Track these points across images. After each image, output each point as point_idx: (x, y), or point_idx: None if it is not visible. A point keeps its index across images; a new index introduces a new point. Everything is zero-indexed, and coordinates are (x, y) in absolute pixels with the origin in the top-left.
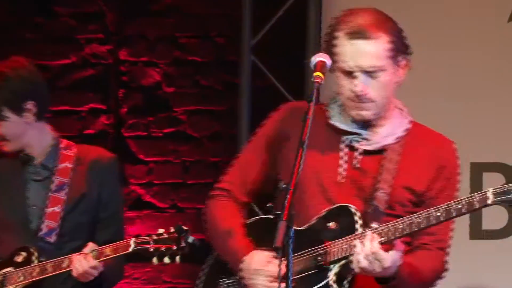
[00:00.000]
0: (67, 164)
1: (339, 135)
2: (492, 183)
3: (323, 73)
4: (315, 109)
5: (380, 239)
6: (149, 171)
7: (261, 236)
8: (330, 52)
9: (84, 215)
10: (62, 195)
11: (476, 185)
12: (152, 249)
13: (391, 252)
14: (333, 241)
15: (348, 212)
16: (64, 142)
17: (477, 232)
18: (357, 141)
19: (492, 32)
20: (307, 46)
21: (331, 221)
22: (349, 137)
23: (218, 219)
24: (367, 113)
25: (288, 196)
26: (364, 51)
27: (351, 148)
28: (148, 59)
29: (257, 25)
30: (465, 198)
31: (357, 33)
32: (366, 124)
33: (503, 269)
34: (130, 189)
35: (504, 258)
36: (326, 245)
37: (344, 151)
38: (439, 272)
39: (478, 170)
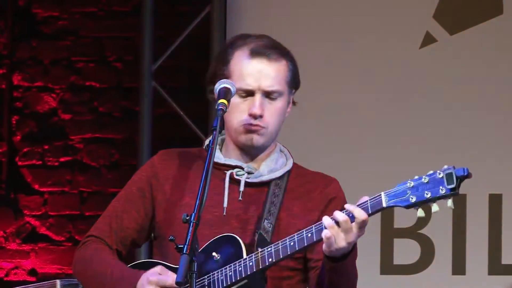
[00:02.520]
0: None
1: (222, 172)
2: (402, 214)
3: (228, 100)
4: (192, 151)
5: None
6: (44, 202)
7: None
8: (222, 74)
9: None
10: None
11: (387, 216)
12: None
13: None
14: (219, 270)
15: (232, 241)
16: None
17: (388, 267)
18: (240, 174)
19: (404, 59)
20: None
21: (216, 252)
22: (232, 171)
23: (95, 256)
24: (258, 140)
25: (191, 229)
26: (267, 72)
27: (235, 182)
28: (43, 84)
29: (158, 49)
30: (359, 204)
31: (259, 53)
32: (250, 158)
33: None
34: (24, 220)
35: None
36: (212, 274)
37: (227, 186)
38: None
39: None
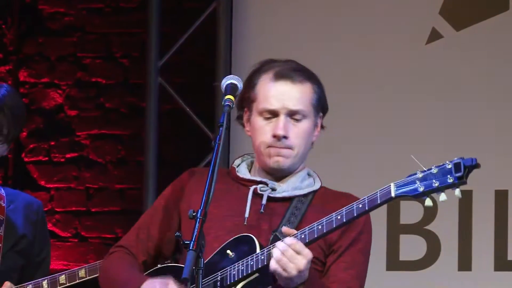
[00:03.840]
0: (1, 203)
1: (247, 187)
2: (409, 210)
3: (234, 97)
4: (225, 171)
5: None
6: (50, 198)
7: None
8: (249, 97)
9: (19, 256)
10: (0, 231)
11: (394, 212)
12: None
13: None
14: (231, 265)
15: (247, 239)
16: None
17: (394, 263)
18: (264, 190)
19: (411, 55)
20: (217, 67)
21: (230, 250)
22: (256, 186)
23: (113, 264)
24: (285, 162)
25: (197, 225)
26: (290, 93)
27: (258, 196)
28: (49, 80)
29: (164, 45)
30: (367, 196)
31: (283, 76)
32: (276, 179)
33: None
34: None
35: None
36: (224, 270)
37: (250, 198)
38: None
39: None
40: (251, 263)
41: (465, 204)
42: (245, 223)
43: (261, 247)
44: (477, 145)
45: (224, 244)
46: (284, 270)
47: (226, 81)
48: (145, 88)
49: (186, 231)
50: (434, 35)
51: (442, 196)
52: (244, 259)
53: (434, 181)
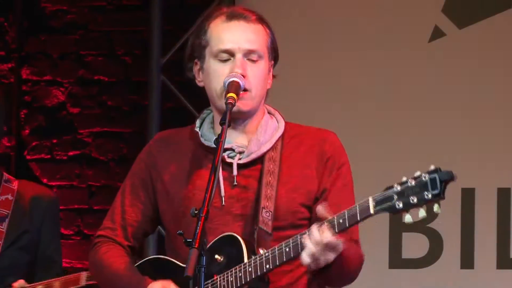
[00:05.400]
0: (9, 197)
1: (214, 155)
2: None
3: (237, 94)
4: (186, 131)
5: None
6: None
7: (152, 277)
8: (200, 44)
9: (24, 252)
10: (2, 227)
11: None
12: None
13: (340, 240)
14: (221, 274)
15: (234, 241)
16: (5, 175)
17: (396, 261)
18: (232, 156)
19: (413, 53)
20: None
21: (218, 254)
22: (224, 154)
23: (105, 262)
24: (244, 106)
25: (199, 223)
26: (246, 32)
27: (228, 165)
28: (51, 78)
29: (166, 43)
30: (347, 210)
31: (236, 16)
32: (240, 132)
33: None
34: None
35: (424, 287)
36: (214, 280)
37: (221, 171)
38: (359, 262)
39: None
40: (240, 275)
41: (468, 202)
42: (223, 203)
43: (248, 248)
44: (480, 143)
45: (211, 243)
46: (316, 263)
47: (228, 79)
48: (148, 86)
49: (166, 216)
50: (437, 33)
51: (421, 212)
52: (233, 269)
53: (411, 197)
